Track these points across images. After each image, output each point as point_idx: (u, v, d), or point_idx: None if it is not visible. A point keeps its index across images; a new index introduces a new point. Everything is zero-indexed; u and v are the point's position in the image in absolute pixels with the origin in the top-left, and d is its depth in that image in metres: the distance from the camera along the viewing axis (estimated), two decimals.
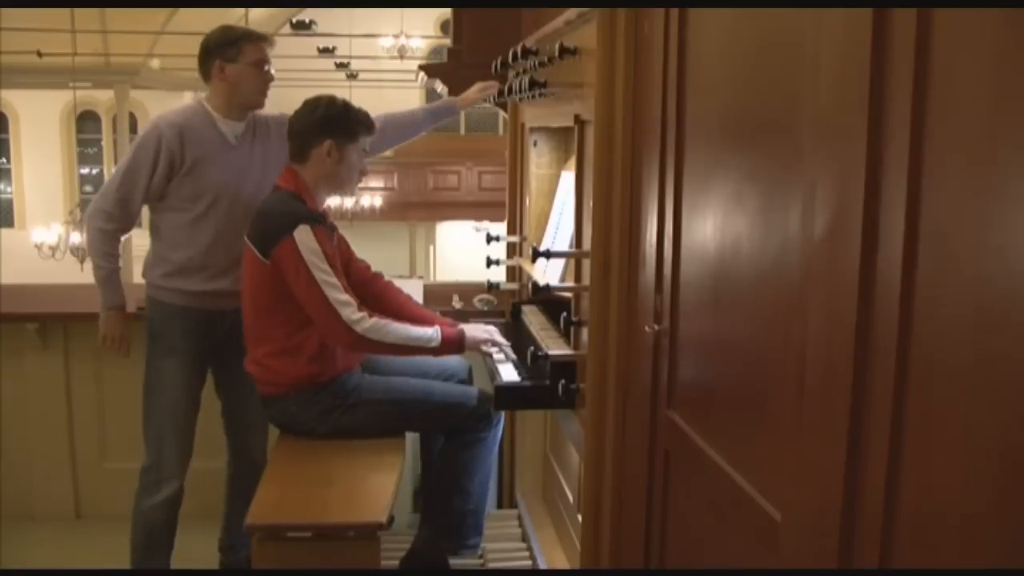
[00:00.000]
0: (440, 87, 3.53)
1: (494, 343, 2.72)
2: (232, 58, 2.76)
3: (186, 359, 2.84)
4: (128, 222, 2.79)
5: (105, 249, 2.77)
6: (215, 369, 2.97)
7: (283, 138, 2.75)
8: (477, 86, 3.14)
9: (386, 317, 2.62)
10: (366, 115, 2.71)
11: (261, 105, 2.86)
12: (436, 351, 2.66)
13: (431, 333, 2.63)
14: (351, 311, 2.53)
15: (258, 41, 2.82)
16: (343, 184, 2.75)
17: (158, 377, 2.84)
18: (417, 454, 3.08)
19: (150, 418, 2.86)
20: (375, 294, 2.89)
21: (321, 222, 2.60)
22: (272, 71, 2.83)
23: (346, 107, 2.68)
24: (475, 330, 2.75)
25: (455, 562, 2.86)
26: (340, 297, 2.53)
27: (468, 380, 2.98)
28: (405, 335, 2.60)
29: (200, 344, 2.85)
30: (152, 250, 2.86)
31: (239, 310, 2.74)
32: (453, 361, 2.93)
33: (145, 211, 2.88)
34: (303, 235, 2.52)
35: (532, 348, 2.48)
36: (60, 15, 11.45)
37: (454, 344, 2.66)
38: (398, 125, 3.14)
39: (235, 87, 2.77)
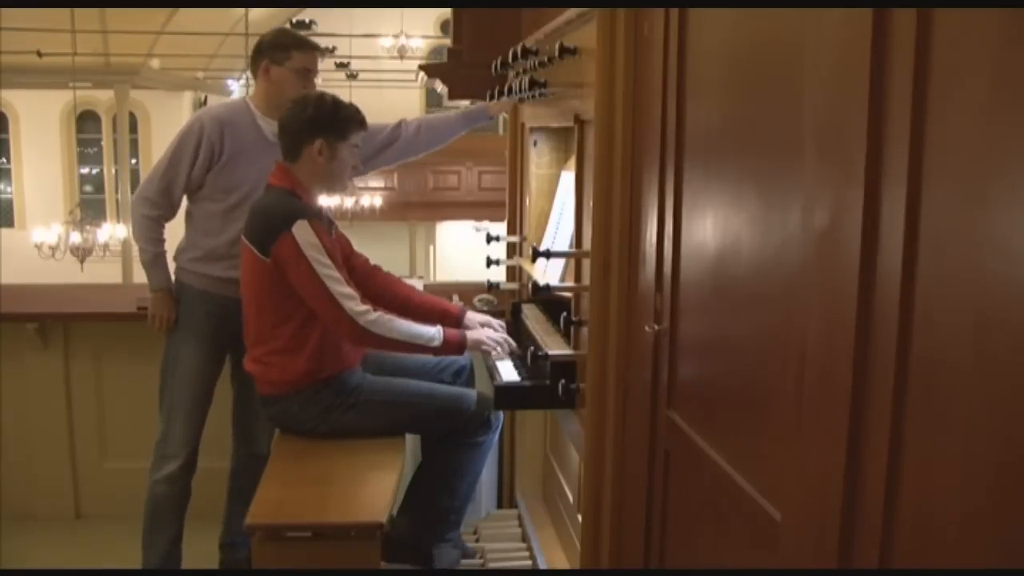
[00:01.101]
0: (440, 87, 3.53)
1: (496, 343, 2.72)
2: (279, 61, 2.86)
3: (202, 342, 2.91)
4: (171, 209, 2.91)
5: (149, 235, 2.89)
6: (233, 357, 3.02)
7: None
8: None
9: (392, 310, 2.64)
10: (356, 111, 2.70)
11: None
12: (437, 351, 2.67)
13: (433, 332, 2.64)
14: (355, 303, 2.54)
15: (310, 51, 2.90)
16: (336, 182, 2.75)
17: (174, 356, 2.93)
18: (417, 453, 3.07)
19: (163, 394, 2.94)
20: (379, 286, 2.90)
21: (318, 217, 2.61)
22: (317, 82, 2.91)
23: (335, 105, 2.67)
24: (478, 332, 2.75)
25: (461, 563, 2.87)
26: (343, 290, 2.54)
27: (470, 374, 2.99)
28: (408, 332, 2.61)
29: (219, 329, 2.91)
30: (185, 235, 2.96)
31: None
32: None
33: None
34: (301, 230, 2.52)
35: (532, 348, 2.48)
36: (60, 15, 11.45)
37: (455, 346, 2.68)
38: (432, 130, 3.21)
39: (276, 89, 2.86)
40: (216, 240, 2.87)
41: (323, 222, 2.63)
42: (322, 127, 2.62)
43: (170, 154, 2.86)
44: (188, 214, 2.95)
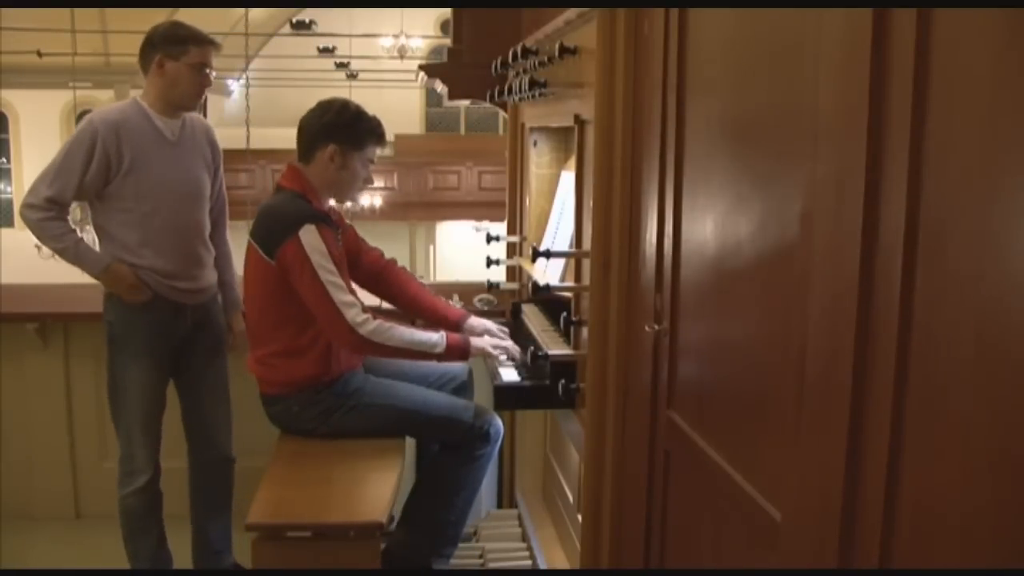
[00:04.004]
0: (440, 87, 3.53)
1: (501, 348, 2.71)
2: (175, 55, 2.69)
3: (147, 358, 2.77)
4: (63, 209, 2.68)
5: (55, 231, 2.65)
6: (175, 370, 2.88)
7: (211, 144, 2.84)
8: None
9: (399, 307, 2.62)
10: (377, 124, 2.70)
11: (193, 108, 2.81)
12: (440, 357, 2.65)
13: (436, 339, 2.61)
14: (355, 313, 2.53)
15: (206, 45, 2.74)
16: (344, 191, 2.75)
17: (122, 377, 2.77)
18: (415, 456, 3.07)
19: (118, 416, 2.80)
20: (389, 283, 2.89)
21: (326, 221, 2.60)
22: (212, 77, 2.76)
23: (358, 115, 2.67)
24: (482, 340, 2.72)
25: (454, 562, 2.86)
26: (345, 298, 2.53)
27: (469, 383, 2.98)
28: (410, 339, 2.59)
29: (159, 341, 2.78)
30: (103, 252, 2.74)
31: (200, 306, 2.74)
32: (455, 365, 2.93)
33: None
34: (308, 235, 2.52)
35: (532, 348, 2.48)
36: (60, 15, 11.46)
37: (459, 351, 2.65)
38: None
39: (171, 85, 2.70)
40: (138, 253, 2.68)
41: (331, 227, 2.63)
42: (339, 134, 2.62)
43: (59, 161, 2.64)
44: (100, 229, 2.74)
